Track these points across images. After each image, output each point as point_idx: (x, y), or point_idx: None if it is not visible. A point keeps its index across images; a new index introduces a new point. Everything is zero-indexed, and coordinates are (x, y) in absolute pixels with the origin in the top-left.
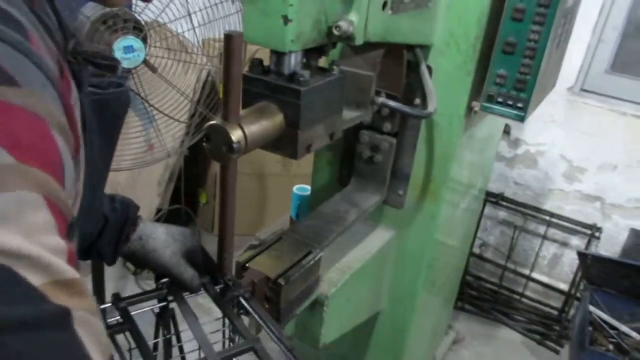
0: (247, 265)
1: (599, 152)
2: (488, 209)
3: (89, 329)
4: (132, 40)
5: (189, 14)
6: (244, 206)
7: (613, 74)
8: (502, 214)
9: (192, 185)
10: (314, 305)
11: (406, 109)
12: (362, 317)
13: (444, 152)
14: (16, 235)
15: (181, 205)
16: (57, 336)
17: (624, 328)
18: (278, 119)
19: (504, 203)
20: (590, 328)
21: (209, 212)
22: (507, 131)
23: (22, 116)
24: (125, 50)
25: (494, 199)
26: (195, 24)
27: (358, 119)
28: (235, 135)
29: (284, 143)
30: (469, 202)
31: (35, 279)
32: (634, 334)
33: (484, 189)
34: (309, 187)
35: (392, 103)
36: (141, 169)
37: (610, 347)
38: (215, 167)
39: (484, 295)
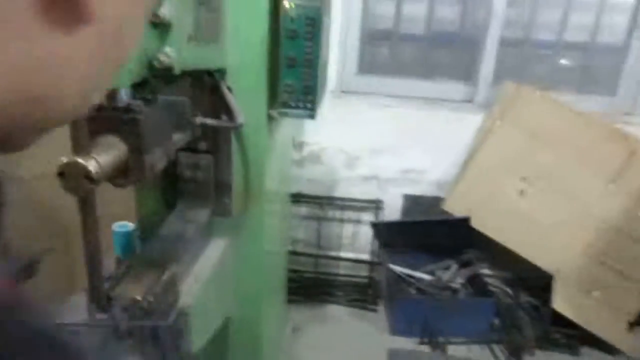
0: (110, 294)
1: (367, 140)
2: (292, 208)
3: None
4: None
5: None
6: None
7: (361, 74)
8: (304, 209)
9: None
10: (179, 317)
11: (222, 123)
12: (218, 322)
13: (256, 159)
14: None
15: None
16: None
17: (417, 274)
18: (122, 147)
19: (303, 199)
20: (394, 283)
21: None
22: (293, 139)
23: None
24: None
25: (294, 198)
26: None
27: (184, 139)
28: (92, 165)
29: (132, 169)
30: (283, 204)
31: None
32: (425, 276)
33: (289, 193)
34: (128, 223)
35: (209, 120)
36: None
37: (413, 292)
38: None
39: (306, 284)
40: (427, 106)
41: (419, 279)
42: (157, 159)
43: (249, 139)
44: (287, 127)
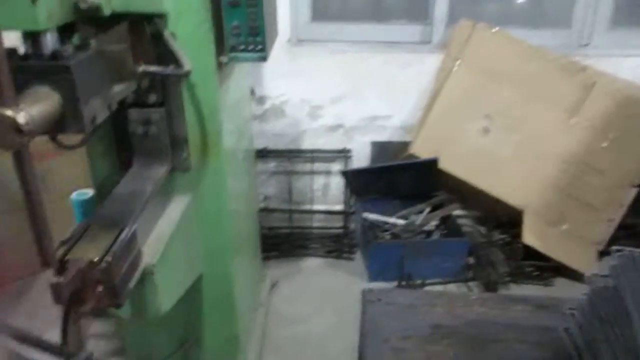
0: (66, 258)
1: (326, 89)
2: (260, 165)
3: None
4: None
5: None
6: (14, 249)
7: (315, 22)
8: (272, 165)
9: None
10: (144, 277)
11: (167, 71)
12: (188, 281)
13: (209, 107)
14: None
15: None
16: None
17: (391, 220)
18: (55, 97)
19: (270, 154)
20: (368, 230)
21: None
22: (252, 91)
23: None
24: None
25: (260, 153)
26: None
27: (128, 90)
28: (22, 117)
29: (68, 121)
30: (244, 158)
31: None
32: (399, 221)
33: (252, 149)
34: (88, 190)
35: (153, 68)
36: None
37: (388, 237)
38: None
39: (282, 240)
40: (385, 50)
41: (393, 225)
42: (96, 110)
43: (200, 88)
44: (240, 76)
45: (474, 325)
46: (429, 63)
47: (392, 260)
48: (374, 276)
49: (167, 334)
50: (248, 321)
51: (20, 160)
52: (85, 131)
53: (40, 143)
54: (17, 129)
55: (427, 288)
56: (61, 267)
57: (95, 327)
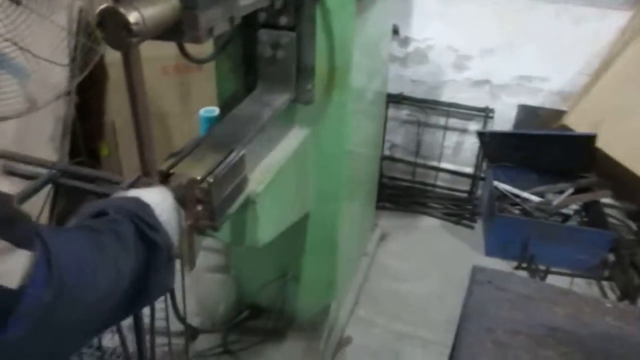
0: (171, 172)
1: (477, 38)
2: (391, 111)
3: None
4: None
5: None
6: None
7: None
8: (405, 112)
9: (90, 139)
10: (247, 205)
11: None
12: (293, 217)
13: (342, 38)
14: None
15: (82, 158)
16: None
17: (524, 194)
18: (173, 1)
19: (405, 102)
20: (496, 200)
21: (113, 164)
22: (395, 30)
23: None
24: None
25: (394, 99)
26: None
27: (255, 5)
28: (133, 16)
29: (184, 27)
30: (372, 100)
31: None
32: (533, 197)
33: (385, 92)
34: (215, 108)
35: None
36: (27, 128)
37: (517, 212)
38: (112, 117)
39: (400, 192)
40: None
41: (526, 200)
42: (215, 20)
43: (335, 15)
44: (383, 11)
45: (602, 339)
46: (610, 20)
47: (516, 238)
48: (491, 250)
49: (270, 262)
50: (349, 268)
51: (128, 63)
52: (200, 41)
53: None
54: (127, 27)
55: (551, 277)
56: (164, 179)
57: (208, 241)
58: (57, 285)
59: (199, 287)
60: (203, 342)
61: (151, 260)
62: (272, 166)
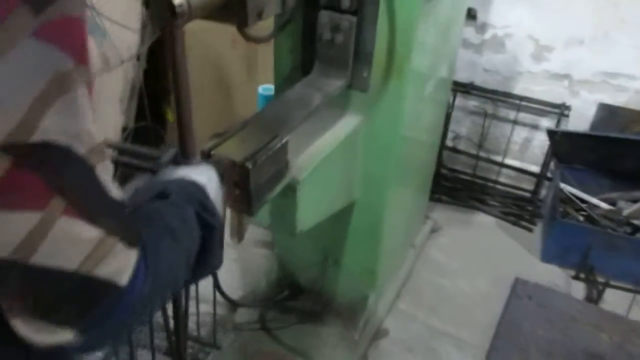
0: (212, 152)
1: (565, 28)
2: (458, 100)
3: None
4: None
5: None
6: (209, 120)
7: None
8: (472, 103)
9: (157, 103)
10: (287, 191)
11: None
12: (336, 206)
13: (405, 24)
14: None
15: (147, 123)
16: None
17: (593, 200)
18: None
19: (474, 92)
20: (561, 203)
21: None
22: (473, 15)
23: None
24: None
25: (463, 88)
26: None
27: None
28: None
29: (232, 9)
30: (435, 88)
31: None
32: (602, 204)
33: (450, 79)
34: (273, 87)
35: None
36: (100, 87)
37: (581, 218)
38: None
39: (459, 186)
40: None
41: (593, 206)
42: (266, 2)
43: (401, 0)
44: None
45: None
46: None
47: (576, 246)
48: (548, 256)
49: (312, 244)
50: (393, 260)
51: (173, 44)
52: (247, 25)
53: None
54: (171, 9)
55: (609, 292)
56: (204, 159)
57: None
58: (153, 277)
59: (244, 260)
60: (242, 316)
61: (207, 242)
62: (317, 153)
